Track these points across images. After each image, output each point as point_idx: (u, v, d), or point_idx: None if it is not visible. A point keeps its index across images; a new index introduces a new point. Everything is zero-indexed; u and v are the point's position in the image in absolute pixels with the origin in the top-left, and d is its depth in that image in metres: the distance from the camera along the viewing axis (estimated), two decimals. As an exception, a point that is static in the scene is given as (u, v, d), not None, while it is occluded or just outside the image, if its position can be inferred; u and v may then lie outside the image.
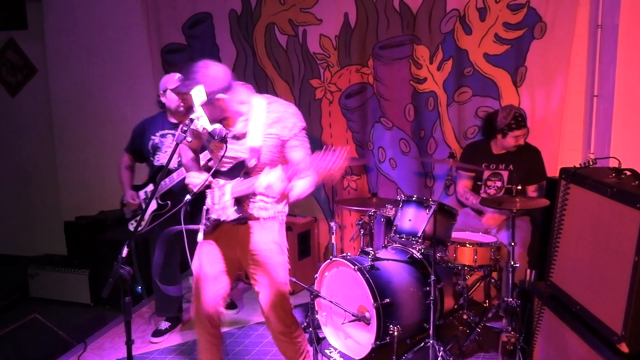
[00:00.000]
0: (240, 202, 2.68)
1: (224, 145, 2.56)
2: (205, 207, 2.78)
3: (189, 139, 2.59)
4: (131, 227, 3.97)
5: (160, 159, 3.83)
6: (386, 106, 4.66)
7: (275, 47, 4.90)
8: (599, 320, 2.46)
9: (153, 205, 3.81)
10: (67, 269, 4.97)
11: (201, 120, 2.49)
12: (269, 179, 2.36)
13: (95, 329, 4.21)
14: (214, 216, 2.74)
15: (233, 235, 2.81)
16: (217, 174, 2.75)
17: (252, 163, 2.63)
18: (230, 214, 2.66)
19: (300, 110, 2.63)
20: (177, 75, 2.98)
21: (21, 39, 5.81)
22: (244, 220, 2.72)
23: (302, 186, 2.51)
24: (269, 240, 2.79)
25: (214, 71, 2.55)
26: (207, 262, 2.83)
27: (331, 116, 4.85)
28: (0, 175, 6.12)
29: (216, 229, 2.80)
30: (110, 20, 5.42)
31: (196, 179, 2.67)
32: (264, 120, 2.64)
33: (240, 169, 2.65)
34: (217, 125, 2.52)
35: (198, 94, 2.50)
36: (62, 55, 5.61)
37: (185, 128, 2.47)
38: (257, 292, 2.85)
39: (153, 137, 3.84)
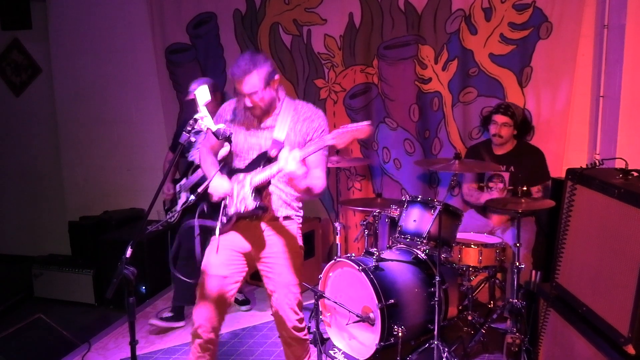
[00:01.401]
0: (260, 191, 2.69)
1: (229, 144, 2.58)
2: (223, 203, 2.77)
3: (192, 138, 2.60)
4: (171, 220, 4.11)
5: (193, 154, 4.01)
6: (391, 106, 4.65)
7: (280, 47, 4.90)
8: (605, 322, 2.45)
9: (183, 198, 3.98)
10: (71, 269, 4.99)
11: (205, 120, 2.51)
12: (289, 155, 2.41)
13: (99, 329, 4.22)
14: (232, 210, 2.72)
15: (250, 234, 2.80)
16: (236, 170, 2.77)
17: (273, 153, 2.66)
18: (249, 203, 2.64)
19: None
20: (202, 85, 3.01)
21: (25, 39, 5.83)
22: (263, 209, 2.70)
23: (315, 177, 2.64)
24: (287, 242, 2.80)
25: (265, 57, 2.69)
26: (219, 262, 2.80)
27: (335, 116, 4.84)
28: (5, 175, 6.13)
29: (233, 225, 2.79)
30: (115, 20, 5.42)
31: (218, 190, 2.68)
32: (292, 117, 2.72)
33: (260, 161, 2.68)
34: (221, 125, 2.54)
35: (202, 94, 2.52)
36: (66, 55, 5.62)
37: (189, 128, 2.48)
38: (271, 292, 2.84)
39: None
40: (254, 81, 2.60)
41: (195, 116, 2.51)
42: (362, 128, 2.37)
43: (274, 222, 2.80)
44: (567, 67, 4.14)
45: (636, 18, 3.71)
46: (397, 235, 3.56)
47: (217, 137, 2.52)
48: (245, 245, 2.82)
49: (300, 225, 2.90)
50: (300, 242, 2.88)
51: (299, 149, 2.49)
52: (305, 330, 2.94)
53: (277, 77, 2.69)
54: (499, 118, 3.95)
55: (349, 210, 4.89)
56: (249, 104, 2.66)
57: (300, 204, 2.89)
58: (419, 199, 3.54)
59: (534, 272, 3.65)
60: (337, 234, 4.26)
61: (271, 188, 2.75)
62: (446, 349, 3.30)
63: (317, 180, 2.66)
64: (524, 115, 4.15)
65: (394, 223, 3.71)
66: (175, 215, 3.92)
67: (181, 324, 4.13)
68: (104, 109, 5.62)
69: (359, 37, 4.64)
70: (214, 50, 5.09)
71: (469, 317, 3.63)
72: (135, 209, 5.53)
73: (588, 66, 4.14)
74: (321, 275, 3.65)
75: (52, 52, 5.66)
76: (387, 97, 4.65)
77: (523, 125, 4.08)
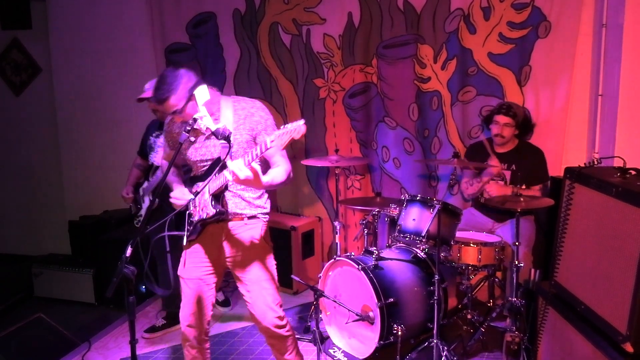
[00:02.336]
0: (218, 197, 2.69)
1: (228, 144, 2.56)
2: (187, 212, 2.78)
3: (192, 138, 2.61)
4: (135, 224, 4.21)
5: (153, 158, 4.04)
6: (390, 105, 4.66)
7: (279, 47, 4.90)
8: (604, 320, 2.46)
9: (146, 201, 4.04)
10: (71, 268, 4.99)
11: (204, 120, 2.52)
12: (235, 164, 2.38)
13: (99, 328, 4.23)
14: (196, 218, 2.74)
15: (217, 237, 2.81)
16: (195, 179, 2.78)
17: (225, 159, 2.64)
18: (210, 210, 2.67)
19: (304, 110, 2.66)
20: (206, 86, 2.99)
21: (25, 38, 5.83)
22: (223, 214, 2.71)
23: (275, 173, 2.65)
24: (253, 239, 2.80)
25: (183, 73, 2.56)
26: (193, 267, 2.83)
27: (335, 115, 4.84)
28: (5, 175, 6.13)
29: (200, 232, 2.81)
30: (115, 20, 5.43)
31: (180, 200, 2.74)
32: (232, 118, 2.70)
33: (214, 168, 2.66)
34: (221, 125, 2.54)
35: (201, 94, 2.52)
36: (66, 54, 5.62)
37: (188, 128, 2.50)
38: (245, 291, 2.84)
39: (150, 138, 4.09)
40: (173, 103, 2.53)
41: (195, 116, 2.52)
42: (297, 128, 2.25)
43: (239, 222, 2.79)
44: (566, 66, 4.14)
45: (634, 17, 3.72)
46: (396, 234, 3.57)
47: (217, 137, 2.52)
48: (213, 247, 2.82)
49: (266, 222, 2.87)
50: (267, 237, 2.87)
51: (242, 158, 2.42)
52: (287, 327, 2.91)
53: (199, 87, 2.57)
54: (501, 118, 3.95)
55: (348, 210, 4.90)
56: (177, 120, 2.71)
57: (266, 202, 2.86)
58: (418, 198, 3.55)
59: (533, 270, 3.65)
60: (337, 233, 4.27)
61: (233, 189, 2.75)
62: (446, 348, 3.31)
63: (279, 169, 2.66)
64: (525, 114, 4.14)
65: (393, 222, 3.72)
66: (141, 220, 4.04)
67: (177, 326, 4.13)
68: (103, 109, 5.63)
69: (358, 36, 4.64)
70: (213, 50, 5.10)
71: (469, 316, 3.63)
72: (135, 208, 5.54)
73: (586, 65, 4.14)
74: (321, 274, 3.66)
75: (52, 51, 5.67)
76: (386, 96, 4.65)
77: (524, 124, 4.08)
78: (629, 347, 2.30)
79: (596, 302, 2.54)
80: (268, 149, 2.32)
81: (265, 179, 2.55)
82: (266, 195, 2.88)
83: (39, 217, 6.11)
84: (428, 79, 4.50)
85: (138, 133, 5.57)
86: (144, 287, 4.72)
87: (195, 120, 2.51)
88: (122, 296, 2.27)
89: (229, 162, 2.42)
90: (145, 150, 4.14)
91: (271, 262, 2.87)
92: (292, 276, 3.38)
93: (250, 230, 2.80)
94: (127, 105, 5.52)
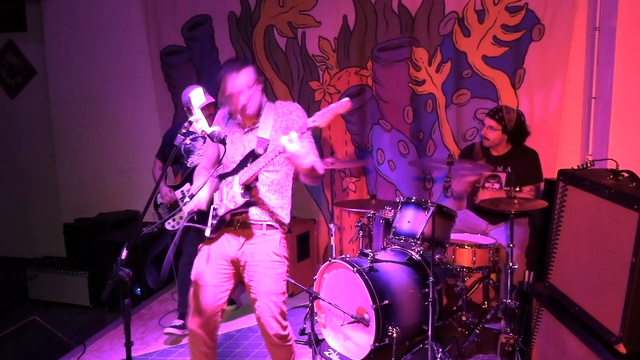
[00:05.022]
0: (249, 187, 2.74)
1: (223, 146, 2.62)
2: (212, 206, 2.81)
3: (187, 141, 2.62)
4: (169, 227, 4.10)
5: (194, 161, 4.01)
6: (385, 108, 4.67)
7: (275, 49, 4.91)
8: (597, 321, 2.47)
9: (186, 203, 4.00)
10: (66, 271, 4.98)
11: (200, 123, 2.54)
12: (289, 137, 2.49)
13: (94, 331, 4.22)
14: (222, 210, 2.76)
15: (235, 242, 2.84)
16: (225, 175, 2.83)
17: (259, 151, 2.73)
18: (238, 199, 2.70)
19: None
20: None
21: (20, 41, 5.83)
22: (252, 204, 2.75)
23: (317, 163, 2.71)
24: (270, 252, 2.82)
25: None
26: (208, 270, 2.85)
27: (330, 118, 4.84)
28: (0, 177, 6.11)
29: (220, 231, 2.83)
30: (110, 23, 5.43)
31: (199, 202, 2.83)
32: (273, 116, 2.82)
33: (247, 161, 2.74)
34: (216, 128, 2.56)
35: (197, 97, 2.54)
36: (61, 57, 5.62)
37: (184, 131, 2.51)
38: (254, 299, 2.86)
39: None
40: (241, 79, 2.71)
41: (190, 119, 2.53)
42: (343, 104, 2.49)
43: (258, 231, 2.83)
44: (560, 69, 4.17)
45: (627, 20, 3.74)
46: (391, 236, 3.58)
47: (212, 140, 2.55)
48: (231, 253, 2.85)
49: (284, 236, 2.91)
50: (284, 250, 2.89)
51: (293, 132, 2.54)
52: (290, 337, 2.93)
53: (261, 80, 2.82)
54: (487, 121, 3.99)
55: (343, 212, 4.91)
56: (244, 100, 2.74)
57: (287, 215, 2.90)
58: (412, 200, 3.56)
59: (527, 272, 3.67)
60: (332, 236, 4.27)
61: (257, 195, 2.80)
62: (440, 349, 3.32)
63: (317, 163, 2.73)
64: (520, 120, 4.09)
65: (388, 224, 3.72)
66: (182, 221, 3.89)
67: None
68: (99, 111, 5.62)
69: (353, 39, 4.66)
70: (208, 53, 5.10)
71: (463, 318, 3.64)
72: (131, 210, 5.53)
73: (580, 68, 4.17)
74: (316, 277, 3.66)
75: (47, 54, 5.67)
76: (381, 99, 4.67)
77: (517, 131, 4.02)
78: (621, 348, 2.31)
79: (589, 304, 2.55)
80: (310, 127, 2.52)
81: (311, 159, 2.62)
82: (289, 209, 2.91)
83: (34, 219, 6.10)
84: (423, 82, 4.51)
85: (133, 135, 5.58)
86: (139, 289, 4.73)
87: (190, 123, 2.53)
88: (117, 299, 2.26)
89: (283, 137, 2.51)
90: (167, 154, 4.09)
91: (284, 275, 2.88)
92: (288, 278, 3.38)
93: (268, 242, 2.83)
94: (123, 108, 5.54)
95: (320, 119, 2.50)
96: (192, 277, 2.88)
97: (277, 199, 2.85)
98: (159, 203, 4.20)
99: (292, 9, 4.78)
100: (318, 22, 4.73)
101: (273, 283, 2.82)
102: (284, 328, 2.88)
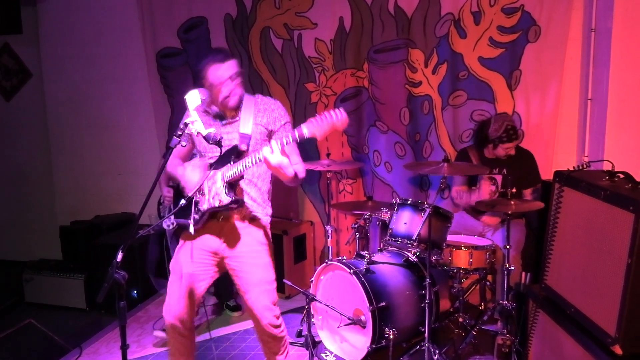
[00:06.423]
0: (233, 186, 2.73)
1: (220, 148, 2.62)
2: (194, 200, 2.78)
3: (183, 143, 2.61)
4: (165, 226, 4.04)
5: None
6: (381, 110, 4.67)
7: (271, 51, 4.91)
8: (593, 323, 2.47)
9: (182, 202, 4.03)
10: (62, 273, 4.96)
11: (196, 125, 2.54)
12: (271, 148, 2.47)
13: (90, 334, 4.21)
14: (205, 206, 2.75)
15: (219, 233, 2.84)
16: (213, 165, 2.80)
17: (243, 147, 2.72)
18: (223, 198, 2.69)
19: (295, 114, 2.72)
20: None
21: (16, 43, 5.80)
22: (238, 203, 2.73)
23: (298, 167, 2.75)
24: (254, 241, 2.84)
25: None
26: (188, 261, 2.84)
27: (326, 120, 4.84)
28: (-4, 180, 6.11)
29: (203, 225, 2.82)
30: (106, 25, 5.41)
31: (192, 182, 2.77)
32: (253, 110, 2.82)
33: (230, 156, 2.70)
34: (212, 129, 2.57)
35: (192, 98, 2.54)
36: (57, 59, 5.60)
37: (179, 132, 2.51)
38: (243, 292, 2.86)
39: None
40: (225, 70, 2.74)
41: (185, 120, 2.54)
42: (341, 120, 2.44)
43: (242, 221, 2.83)
44: (556, 70, 4.18)
45: (622, 21, 3.76)
46: (388, 238, 3.58)
47: (208, 141, 2.56)
48: (214, 245, 2.85)
49: (269, 223, 2.93)
50: (269, 240, 2.91)
51: (275, 140, 2.51)
52: (282, 327, 2.95)
53: (243, 73, 2.87)
54: (509, 145, 3.90)
55: (340, 214, 4.90)
56: (226, 92, 2.74)
57: (268, 204, 2.94)
58: (409, 202, 3.56)
59: (523, 273, 3.67)
60: (329, 237, 4.27)
61: (245, 182, 2.80)
62: (437, 351, 3.31)
63: (299, 166, 2.76)
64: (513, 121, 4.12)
65: (385, 226, 3.73)
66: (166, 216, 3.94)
67: None
68: (95, 113, 5.61)
69: (350, 41, 4.66)
70: (204, 55, 5.07)
71: (460, 319, 3.64)
72: (127, 213, 5.52)
73: (576, 69, 4.18)
74: (313, 279, 3.66)
75: (42, 56, 5.65)
76: (377, 100, 4.67)
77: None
78: (618, 349, 2.32)
79: (586, 305, 2.56)
80: (304, 137, 2.44)
81: (294, 168, 2.65)
82: (269, 200, 2.94)
83: (29, 222, 6.08)
84: (419, 84, 4.52)
85: (129, 138, 5.57)
86: (135, 292, 4.71)
87: (186, 125, 2.53)
88: (113, 301, 2.25)
89: (265, 147, 2.49)
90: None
91: (271, 262, 2.90)
92: (284, 280, 3.38)
93: (252, 233, 2.84)
94: (119, 110, 5.52)
95: (317, 130, 2.42)
96: (171, 267, 2.88)
97: (259, 190, 2.87)
98: (161, 201, 4.18)
99: (288, 10, 4.77)
100: (314, 23, 4.73)
101: (263, 272, 2.84)
102: (277, 317, 2.90)
